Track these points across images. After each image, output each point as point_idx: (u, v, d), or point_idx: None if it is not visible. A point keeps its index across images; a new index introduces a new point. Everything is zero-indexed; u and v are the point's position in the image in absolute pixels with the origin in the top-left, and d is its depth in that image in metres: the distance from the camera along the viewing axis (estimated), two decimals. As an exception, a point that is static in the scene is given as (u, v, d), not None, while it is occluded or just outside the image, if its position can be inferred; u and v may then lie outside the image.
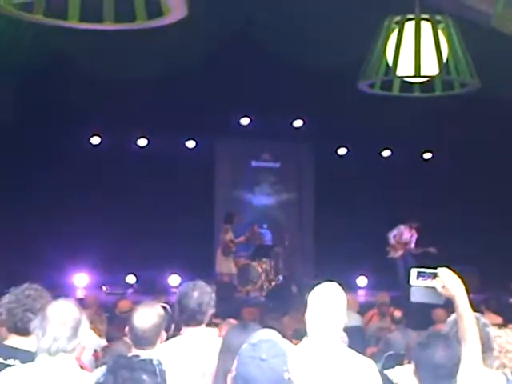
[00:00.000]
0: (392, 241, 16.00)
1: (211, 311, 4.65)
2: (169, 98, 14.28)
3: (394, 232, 16.02)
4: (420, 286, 3.70)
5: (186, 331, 4.62)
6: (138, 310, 4.27)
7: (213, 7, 10.14)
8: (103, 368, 3.17)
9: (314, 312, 4.10)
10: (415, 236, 16.03)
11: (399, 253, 15.90)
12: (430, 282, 3.67)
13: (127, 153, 16.45)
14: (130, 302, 9.05)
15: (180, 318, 4.66)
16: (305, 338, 4.15)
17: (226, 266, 15.18)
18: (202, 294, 4.62)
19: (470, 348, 3.59)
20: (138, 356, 3.32)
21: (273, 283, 15.52)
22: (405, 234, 16.03)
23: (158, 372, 3.15)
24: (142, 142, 16.88)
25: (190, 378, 4.28)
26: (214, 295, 4.69)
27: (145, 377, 3.07)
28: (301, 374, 3.16)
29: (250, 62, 13.36)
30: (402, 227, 15.99)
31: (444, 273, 3.64)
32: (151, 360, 3.16)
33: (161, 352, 4.21)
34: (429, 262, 14.73)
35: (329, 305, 4.08)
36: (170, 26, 5.41)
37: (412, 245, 15.94)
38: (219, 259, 15.25)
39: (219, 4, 10.67)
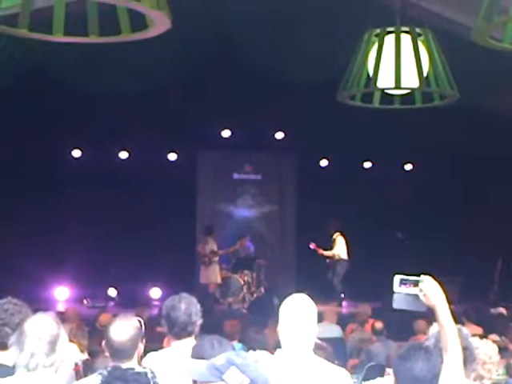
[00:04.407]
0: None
1: (200, 321, 4.65)
2: (150, 111, 14.29)
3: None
4: (402, 292, 3.71)
5: (176, 344, 4.61)
6: (114, 323, 4.25)
7: (192, 22, 10.16)
8: (97, 377, 3.14)
9: (285, 324, 4.13)
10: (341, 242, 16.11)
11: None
12: (411, 290, 3.68)
13: (108, 166, 16.40)
14: (110, 315, 8.98)
15: (171, 331, 4.64)
16: (278, 350, 4.16)
17: (207, 276, 15.22)
18: (189, 304, 4.63)
19: (452, 359, 3.59)
20: (132, 368, 3.30)
21: (255, 295, 15.52)
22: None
23: None
24: (124, 155, 16.86)
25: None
26: (199, 306, 4.68)
27: None
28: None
29: (232, 75, 13.38)
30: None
31: (425, 281, 3.64)
32: (146, 373, 3.16)
33: (152, 364, 4.19)
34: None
35: (300, 316, 4.11)
36: (150, 40, 5.43)
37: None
38: (201, 271, 15.30)
39: (199, 18, 10.69)
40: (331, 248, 15.98)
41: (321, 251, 15.97)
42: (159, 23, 5.03)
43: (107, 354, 4.27)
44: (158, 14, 4.82)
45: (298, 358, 4.08)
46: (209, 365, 2.92)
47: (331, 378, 4.09)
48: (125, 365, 3.94)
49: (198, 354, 3.70)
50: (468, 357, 3.85)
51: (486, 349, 5.02)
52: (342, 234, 16.03)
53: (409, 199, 17.13)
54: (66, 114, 14.04)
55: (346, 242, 15.97)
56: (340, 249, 15.95)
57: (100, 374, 3.19)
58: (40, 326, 3.53)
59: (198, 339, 4.08)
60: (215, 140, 17.13)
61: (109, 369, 3.21)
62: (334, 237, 16.04)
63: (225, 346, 3.71)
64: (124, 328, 4.18)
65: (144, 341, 4.38)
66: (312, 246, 16.00)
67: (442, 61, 7.96)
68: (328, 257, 15.97)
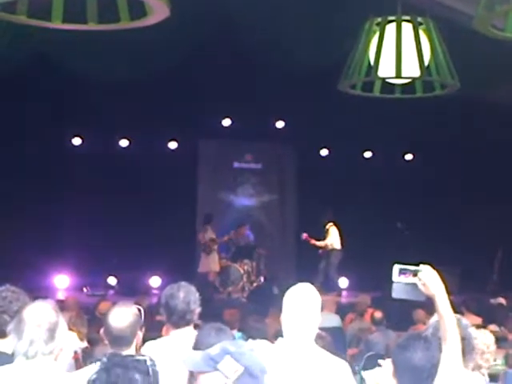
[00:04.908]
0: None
1: (198, 310, 4.66)
2: (151, 99, 14.25)
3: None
4: (401, 282, 3.72)
5: (174, 332, 4.62)
6: (113, 310, 4.25)
7: (191, 8, 10.12)
8: (96, 365, 3.14)
9: (288, 313, 4.15)
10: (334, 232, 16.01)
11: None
12: (411, 279, 3.69)
13: (109, 153, 16.36)
14: (110, 303, 8.98)
15: (169, 320, 4.65)
16: (279, 339, 4.17)
17: (207, 264, 15.25)
18: (188, 293, 4.64)
19: (451, 348, 3.60)
20: (132, 355, 3.30)
21: (254, 284, 15.53)
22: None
23: (150, 372, 3.13)
24: (124, 143, 16.83)
25: (179, 380, 4.25)
26: (197, 294, 4.69)
27: (138, 376, 3.06)
28: (275, 374, 3.14)
29: (232, 63, 13.36)
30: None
31: (425, 270, 3.65)
32: (145, 360, 3.15)
33: (150, 353, 4.19)
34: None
35: (303, 306, 4.13)
36: (150, 28, 5.42)
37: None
38: (202, 259, 15.33)
39: (198, 5, 10.65)
40: (324, 238, 15.98)
41: (313, 241, 15.92)
42: (158, 11, 5.03)
43: (106, 341, 4.27)
44: (156, 1, 4.82)
45: (299, 348, 4.11)
46: (204, 355, 2.92)
47: (331, 368, 4.11)
48: (124, 352, 3.95)
49: (199, 344, 3.70)
50: (466, 347, 3.86)
51: (484, 338, 5.02)
52: (335, 224, 15.98)
53: (409, 189, 17.11)
54: (67, 102, 14.02)
55: (340, 232, 15.95)
56: (333, 239, 15.89)
57: (99, 360, 3.18)
58: (39, 314, 3.52)
59: (199, 329, 4.08)
60: (216, 129, 17.09)
61: (108, 355, 3.20)
62: (327, 227, 15.98)
63: (223, 334, 3.71)
64: (123, 315, 4.19)
65: (143, 329, 4.39)
66: (304, 236, 15.97)
67: (443, 50, 7.94)
68: (320, 247, 15.96)
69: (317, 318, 4.16)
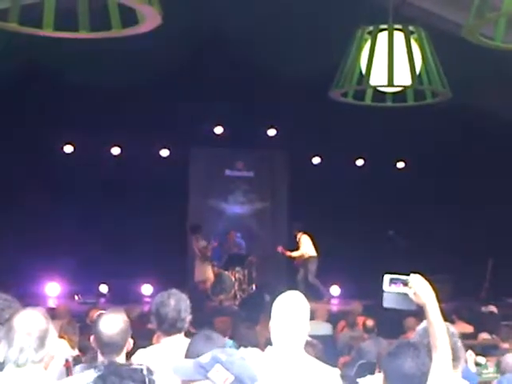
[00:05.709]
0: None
1: (189, 317, 4.65)
2: (142, 107, 14.25)
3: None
4: (392, 291, 3.73)
5: (165, 340, 4.61)
6: (103, 317, 4.23)
7: (185, 16, 10.14)
8: (91, 372, 3.13)
9: (277, 321, 4.13)
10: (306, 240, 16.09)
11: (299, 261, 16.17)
12: (401, 289, 3.70)
13: (100, 161, 16.34)
14: (101, 311, 8.95)
15: (160, 328, 4.63)
16: (269, 347, 4.16)
17: (204, 272, 15.25)
18: (179, 301, 4.62)
19: (441, 355, 3.60)
20: (128, 364, 3.29)
21: (246, 292, 15.53)
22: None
23: (147, 382, 3.12)
24: (116, 151, 16.81)
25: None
26: (188, 302, 4.68)
27: None
28: (265, 382, 3.14)
29: (225, 71, 13.37)
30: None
31: (415, 279, 3.66)
32: (141, 369, 3.14)
33: (141, 361, 4.18)
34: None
35: (292, 314, 4.11)
36: (143, 36, 5.42)
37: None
38: (196, 267, 15.32)
39: (191, 14, 10.68)
40: (297, 249, 16.05)
41: (288, 253, 16.12)
42: (150, 19, 5.02)
43: (96, 348, 4.24)
44: (148, 9, 4.82)
45: (288, 356, 4.09)
46: (194, 363, 2.93)
47: (321, 376, 4.09)
48: (115, 359, 3.93)
49: (189, 351, 3.69)
50: (453, 355, 3.86)
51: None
52: (306, 233, 16.06)
53: (401, 197, 17.13)
54: (58, 109, 13.99)
55: (312, 239, 16.03)
56: (306, 247, 16.01)
57: (96, 367, 3.17)
58: (29, 321, 3.51)
59: (192, 336, 4.07)
60: (207, 136, 17.10)
61: (104, 364, 3.19)
62: (298, 237, 16.11)
63: (212, 342, 3.70)
64: (113, 321, 4.17)
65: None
66: (279, 249, 16.14)
67: (435, 59, 7.96)
68: (297, 257, 16.04)
69: (306, 326, 4.14)
